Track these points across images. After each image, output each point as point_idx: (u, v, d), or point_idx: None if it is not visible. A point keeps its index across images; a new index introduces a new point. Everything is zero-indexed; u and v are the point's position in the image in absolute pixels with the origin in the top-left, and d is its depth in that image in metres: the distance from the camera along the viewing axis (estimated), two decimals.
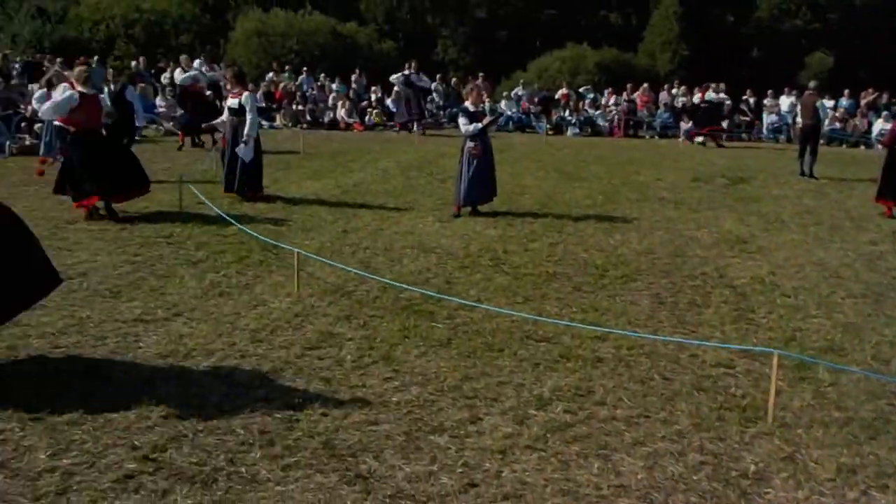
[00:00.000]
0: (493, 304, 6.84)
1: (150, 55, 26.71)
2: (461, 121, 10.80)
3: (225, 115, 11.47)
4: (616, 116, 25.30)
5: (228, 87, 12.44)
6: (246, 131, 10.96)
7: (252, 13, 33.84)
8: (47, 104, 9.46)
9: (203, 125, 14.19)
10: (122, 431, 4.36)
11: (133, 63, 24.58)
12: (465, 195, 10.73)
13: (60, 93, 9.31)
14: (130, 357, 5.47)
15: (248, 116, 10.98)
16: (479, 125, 10.58)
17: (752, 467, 4.27)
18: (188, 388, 4.96)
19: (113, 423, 4.44)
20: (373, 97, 25.65)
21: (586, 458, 4.31)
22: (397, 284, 7.13)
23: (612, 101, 26.26)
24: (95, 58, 23.68)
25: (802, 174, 16.01)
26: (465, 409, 4.85)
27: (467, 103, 10.96)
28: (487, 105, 21.03)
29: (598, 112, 25.84)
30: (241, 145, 10.99)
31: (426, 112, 24.16)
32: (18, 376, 5.11)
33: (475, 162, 10.60)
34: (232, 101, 11.28)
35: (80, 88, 9.35)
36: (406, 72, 22.69)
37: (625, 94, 26.06)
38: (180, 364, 5.36)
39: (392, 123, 23.93)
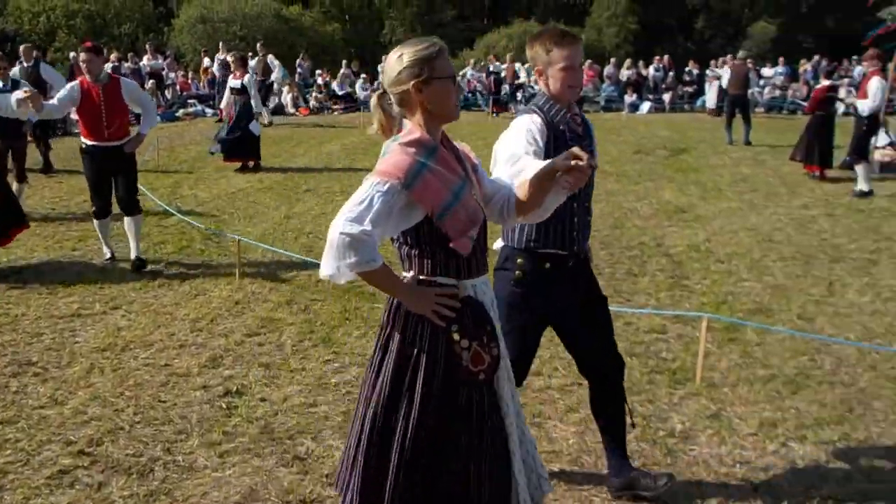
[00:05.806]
0: None
1: None
2: None
3: (227, 95, 13.01)
4: None
5: (232, 69, 13.54)
6: (255, 107, 12.95)
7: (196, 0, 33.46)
8: None
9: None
10: (56, 427, 4.34)
11: (72, 55, 24.03)
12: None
13: None
14: (67, 352, 5.45)
15: (254, 94, 12.93)
16: None
17: (679, 426, 4.42)
18: (125, 380, 4.97)
19: (48, 420, 4.43)
20: (319, 80, 25.46)
21: None
22: None
23: None
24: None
25: (731, 143, 16.37)
26: None
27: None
28: None
29: None
30: (254, 121, 12.83)
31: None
32: None
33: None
34: (234, 82, 12.86)
35: None
36: None
37: None
38: (118, 357, 5.35)
39: (339, 106, 23.89)
